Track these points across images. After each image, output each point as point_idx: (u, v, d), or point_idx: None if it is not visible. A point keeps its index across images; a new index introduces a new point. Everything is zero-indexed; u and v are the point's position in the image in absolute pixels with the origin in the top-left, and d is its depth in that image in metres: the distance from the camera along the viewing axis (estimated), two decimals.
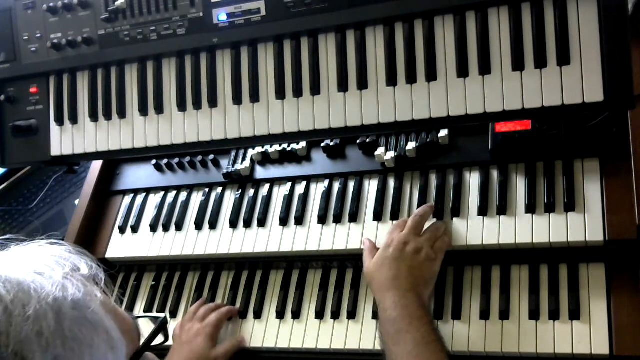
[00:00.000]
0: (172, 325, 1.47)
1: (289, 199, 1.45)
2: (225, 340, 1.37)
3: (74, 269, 0.74)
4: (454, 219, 1.29)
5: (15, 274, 0.65)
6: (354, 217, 1.37)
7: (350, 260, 1.37)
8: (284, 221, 1.43)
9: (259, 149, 1.53)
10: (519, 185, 1.28)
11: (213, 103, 1.32)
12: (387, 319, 1.12)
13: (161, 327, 0.87)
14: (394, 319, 1.11)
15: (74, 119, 1.44)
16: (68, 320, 0.63)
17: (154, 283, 1.55)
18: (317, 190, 1.45)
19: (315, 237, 1.38)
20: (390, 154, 1.39)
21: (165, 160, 1.62)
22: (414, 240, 1.21)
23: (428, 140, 1.38)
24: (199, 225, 1.50)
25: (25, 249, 0.75)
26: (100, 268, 0.79)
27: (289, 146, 1.50)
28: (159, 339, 0.86)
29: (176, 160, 1.61)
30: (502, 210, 1.26)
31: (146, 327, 0.85)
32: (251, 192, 1.51)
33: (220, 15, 1.27)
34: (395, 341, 1.09)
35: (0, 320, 0.60)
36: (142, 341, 0.82)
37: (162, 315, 0.91)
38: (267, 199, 1.48)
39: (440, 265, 1.22)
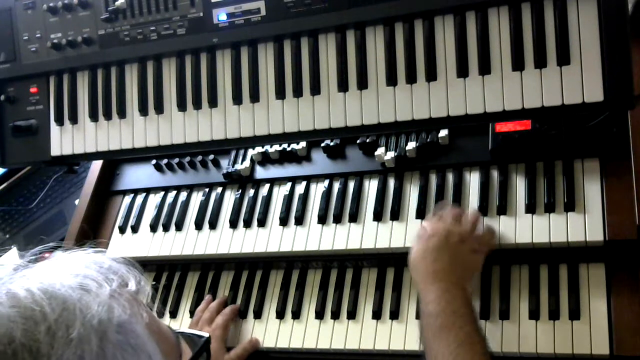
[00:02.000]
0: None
1: (289, 199, 1.45)
2: (232, 343, 1.37)
3: (122, 284, 0.71)
4: None
5: (61, 290, 0.63)
6: (354, 217, 1.37)
7: (350, 260, 1.37)
8: (284, 221, 1.43)
9: (259, 149, 1.53)
10: (519, 185, 1.28)
11: (213, 103, 1.32)
12: (430, 313, 1.08)
13: (204, 346, 0.85)
14: (437, 313, 1.06)
15: (74, 119, 1.44)
16: (111, 345, 0.61)
17: (154, 283, 1.55)
18: (317, 190, 1.45)
19: (315, 237, 1.38)
20: (390, 154, 1.39)
21: (165, 160, 1.62)
22: (458, 230, 1.18)
23: (428, 140, 1.38)
24: (199, 225, 1.50)
25: (71, 258, 0.72)
26: (147, 282, 0.77)
27: (289, 146, 1.50)
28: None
29: (176, 160, 1.61)
30: (502, 210, 1.26)
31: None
32: (251, 192, 1.51)
33: (220, 15, 1.27)
34: (437, 337, 1.04)
35: (42, 341, 0.58)
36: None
37: (205, 334, 0.88)
38: (267, 199, 1.48)
39: (484, 260, 1.18)
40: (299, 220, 1.41)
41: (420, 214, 1.32)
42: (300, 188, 1.46)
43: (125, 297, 0.68)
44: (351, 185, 1.42)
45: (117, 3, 1.33)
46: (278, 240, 1.41)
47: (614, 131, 1.24)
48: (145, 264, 1.57)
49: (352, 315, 1.32)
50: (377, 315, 1.30)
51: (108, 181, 1.69)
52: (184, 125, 1.35)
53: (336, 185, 1.43)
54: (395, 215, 1.33)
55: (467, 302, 1.08)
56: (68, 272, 0.68)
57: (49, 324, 0.59)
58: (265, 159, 1.53)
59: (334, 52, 1.23)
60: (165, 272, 1.56)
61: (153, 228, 1.55)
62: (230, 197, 1.53)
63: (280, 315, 1.38)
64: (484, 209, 1.27)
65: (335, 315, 1.33)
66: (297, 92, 1.25)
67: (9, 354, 0.57)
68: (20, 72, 1.46)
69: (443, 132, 1.37)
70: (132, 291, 0.72)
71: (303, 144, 1.49)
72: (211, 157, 1.58)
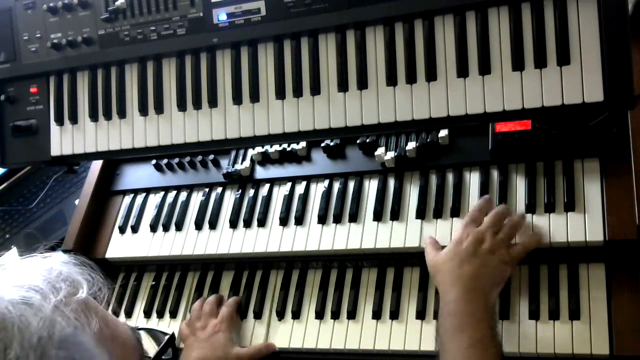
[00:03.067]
0: (174, 327, 1.47)
1: (289, 199, 1.45)
2: (238, 342, 1.37)
3: (71, 291, 0.69)
4: (454, 218, 1.29)
5: (1, 307, 0.61)
6: (354, 217, 1.37)
7: (350, 260, 1.37)
8: (284, 221, 1.43)
9: (259, 149, 1.53)
10: (519, 185, 1.28)
11: (213, 103, 1.32)
12: (448, 313, 1.07)
13: (168, 343, 0.84)
14: (455, 313, 1.06)
15: (74, 119, 1.44)
16: None
17: (154, 283, 1.55)
18: (317, 190, 1.45)
19: (315, 237, 1.38)
20: (390, 154, 1.39)
21: (165, 160, 1.62)
22: (490, 239, 1.15)
23: (428, 140, 1.38)
24: (199, 225, 1.50)
25: (21, 265, 0.71)
26: (104, 283, 0.76)
27: (289, 146, 1.50)
28: (167, 355, 0.84)
29: (176, 160, 1.61)
30: None
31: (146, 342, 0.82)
32: (251, 192, 1.51)
33: (220, 15, 1.27)
34: (452, 336, 1.04)
35: None
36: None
37: (169, 332, 0.87)
38: (267, 199, 1.48)
39: (512, 270, 1.16)
40: (299, 220, 1.41)
41: (420, 214, 1.32)
42: (300, 188, 1.46)
43: (72, 307, 0.66)
44: (351, 185, 1.42)
45: (117, 3, 1.33)
46: (278, 240, 1.41)
47: (614, 131, 1.24)
48: (145, 264, 1.58)
49: (352, 315, 1.32)
50: (377, 315, 1.30)
51: (108, 181, 1.69)
52: (184, 125, 1.35)
53: (336, 185, 1.43)
54: (395, 215, 1.33)
55: (487, 308, 1.07)
56: (12, 284, 0.66)
57: None
58: (265, 159, 1.53)
59: (334, 52, 1.23)
60: (165, 272, 1.56)
61: (153, 228, 1.55)
62: (230, 197, 1.53)
63: (280, 315, 1.38)
64: None
65: (335, 315, 1.33)
66: (297, 92, 1.25)
67: None
68: (20, 72, 1.46)
69: (443, 132, 1.37)
70: (81, 299, 0.70)
71: (303, 144, 1.49)
72: (211, 157, 1.58)
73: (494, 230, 1.17)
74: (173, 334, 0.85)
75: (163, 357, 0.84)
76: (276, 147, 1.51)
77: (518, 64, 1.12)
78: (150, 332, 0.88)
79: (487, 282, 1.11)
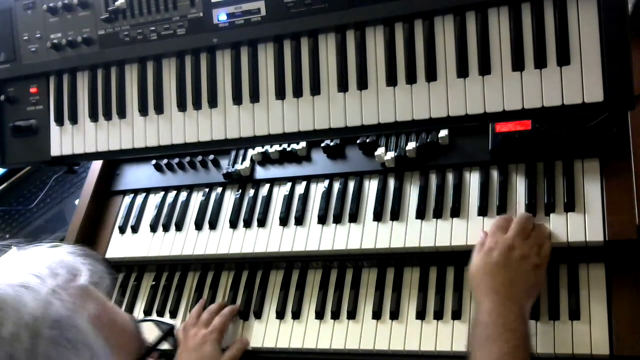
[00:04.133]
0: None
1: (289, 199, 1.45)
2: (230, 342, 1.37)
3: (70, 278, 0.71)
4: (454, 219, 1.29)
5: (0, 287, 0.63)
6: (353, 217, 1.37)
7: (350, 260, 1.37)
8: (284, 221, 1.43)
9: (259, 149, 1.53)
10: (519, 185, 1.28)
11: (213, 103, 1.32)
12: (480, 322, 1.07)
13: (167, 334, 0.85)
14: (487, 324, 1.05)
15: (73, 119, 1.44)
16: (44, 340, 0.62)
17: (154, 283, 1.55)
18: (317, 190, 1.45)
19: (315, 237, 1.38)
20: (390, 154, 1.39)
21: (165, 160, 1.62)
22: (521, 245, 1.13)
23: (428, 140, 1.38)
24: (199, 225, 1.50)
25: (24, 254, 0.73)
26: (105, 272, 0.77)
27: (289, 146, 1.50)
28: (167, 346, 0.84)
29: (176, 160, 1.61)
30: (502, 210, 1.26)
31: (150, 334, 0.84)
32: (251, 192, 1.51)
33: (220, 15, 1.27)
34: (481, 346, 1.03)
35: None
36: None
37: (170, 321, 0.89)
38: (267, 199, 1.48)
39: (545, 272, 1.15)
40: (299, 221, 1.41)
41: (420, 214, 1.32)
42: (300, 188, 1.46)
43: (70, 292, 0.68)
44: (351, 185, 1.42)
45: (117, 3, 1.33)
46: (278, 241, 1.41)
47: (614, 131, 1.24)
48: (145, 264, 1.58)
49: (352, 315, 1.32)
50: (377, 315, 1.30)
51: (108, 181, 1.69)
52: (184, 126, 1.35)
53: (336, 185, 1.43)
54: (395, 216, 1.33)
55: (520, 319, 1.06)
56: (13, 270, 0.68)
57: None
58: (265, 159, 1.53)
59: (334, 52, 1.23)
60: (165, 272, 1.56)
61: (153, 228, 1.55)
62: (230, 197, 1.53)
63: (280, 315, 1.38)
64: (484, 209, 1.27)
65: (335, 315, 1.33)
66: (297, 92, 1.25)
67: None
68: (20, 72, 1.46)
69: (443, 132, 1.37)
70: (80, 285, 0.72)
71: (303, 144, 1.49)
72: (211, 157, 1.58)
73: (523, 236, 1.15)
74: (173, 326, 0.86)
75: (164, 347, 0.85)
76: (276, 147, 1.51)
77: (518, 64, 1.12)
78: (156, 323, 0.89)
79: (521, 290, 1.10)
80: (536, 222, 1.20)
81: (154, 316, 1.50)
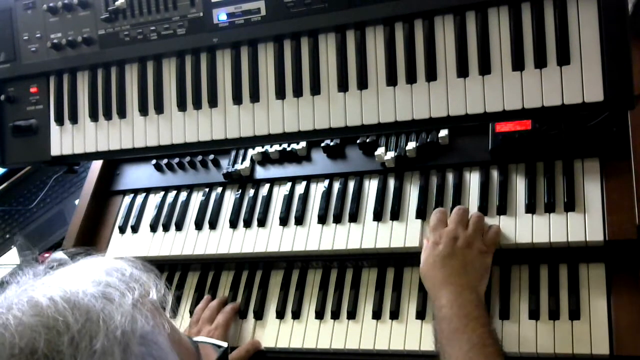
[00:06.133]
0: None
1: (289, 199, 1.45)
2: (238, 342, 1.37)
3: (143, 293, 0.70)
4: None
5: (84, 299, 0.62)
6: (354, 217, 1.37)
7: (350, 260, 1.37)
8: (284, 221, 1.43)
9: (259, 149, 1.53)
10: (519, 185, 1.28)
11: (213, 103, 1.32)
12: (443, 317, 1.08)
13: (223, 356, 0.85)
14: (450, 318, 1.07)
15: (74, 119, 1.44)
16: (134, 356, 0.61)
17: None
18: (317, 190, 1.45)
19: (315, 237, 1.38)
20: (390, 154, 1.39)
21: (165, 160, 1.62)
22: (463, 233, 1.18)
23: (428, 140, 1.38)
24: (199, 225, 1.50)
25: (92, 264, 0.71)
26: (167, 290, 0.77)
27: (289, 146, 1.50)
28: None
29: (176, 160, 1.61)
30: (502, 210, 1.26)
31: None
32: (251, 192, 1.51)
33: (220, 15, 1.27)
34: (450, 341, 1.05)
35: (65, 352, 0.57)
36: None
37: (224, 344, 0.88)
38: (267, 199, 1.48)
39: (492, 258, 1.19)
40: (299, 220, 1.41)
41: (420, 214, 1.32)
42: (300, 188, 1.46)
43: (148, 307, 0.68)
44: (351, 185, 1.42)
45: (117, 3, 1.33)
46: (278, 240, 1.41)
47: (614, 131, 1.24)
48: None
49: (352, 315, 1.32)
50: (377, 315, 1.30)
51: (108, 181, 1.69)
52: (184, 125, 1.35)
53: (336, 185, 1.43)
54: (395, 215, 1.33)
55: (479, 305, 1.08)
56: (90, 280, 0.67)
57: (72, 334, 0.58)
58: (265, 159, 1.53)
59: (334, 52, 1.23)
60: (165, 272, 1.56)
61: (153, 228, 1.55)
62: (230, 197, 1.53)
63: (280, 315, 1.38)
64: (484, 209, 1.27)
65: (335, 315, 1.33)
66: (297, 92, 1.25)
67: None
68: (20, 72, 1.46)
69: (443, 132, 1.37)
70: (154, 300, 0.72)
71: (303, 144, 1.49)
72: (211, 157, 1.58)
73: (463, 225, 1.19)
74: (227, 347, 0.85)
75: None
76: (276, 147, 1.51)
77: (518, 64, 1.12)
78: (204, 344, 0.88)
79: (473, 276, 1.13)
80: (475, 213, 1.24)
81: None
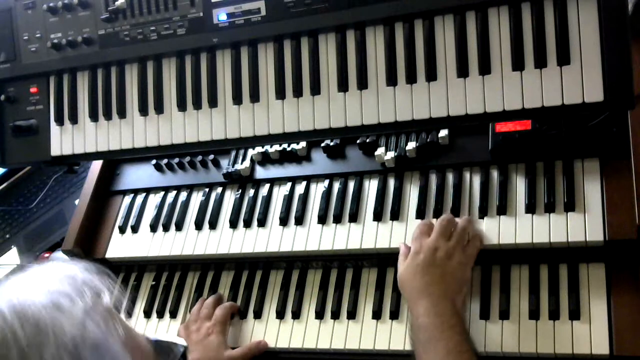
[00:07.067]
0: (173, 327, 1.47)
1: (289, 199, 1.45)
2: (238, 342, 1.37)
3: (95, 297, 0.70)
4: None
5: (33, 310, 0.61)
6: (354, 217, 1.37)
7: (350, 260, 1.37)
8: (284, 221, 1.43)
9: (259, 149, 1.53)
10: (519, 185, 1.28)
11: (213, 103, 1.32)
12: (419, 326, 1.10)
13: (183, 357, 0.85)
14: (426, 326, 1.08)
15: (74, 119, 1.44)
16: None
17: (154, 283, 1.55)
18: (317, 190, 1.45)
19: (315, 237, 1.38)
20: (390, 154, 1.39)
21: (165, 160, 1.62)
22: (444, 245, 1.18)
23: (428, 140, 1.38)
24: (199, 225, 1.50)
25: (43, 271, 0.71)
26: (122, 291, 0.76)
27: (289, 146, 1.50)
28: None
29: (176, 160, 1.61)
30: (502, 210, 1.26)
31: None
32: (251, 192, 1.51)
33: (220, 15, 1.27)
34: (426, 348, 1.06)
35: None
36: None
37: (183, 342, 0.88)
38: (267, 199, 1.48)
39: (471, 270, 1.19)
40: (299, 220, 1.41)
41: (420, 214, 1.32)
42: (300, 188, 1.46)
43: (100, 313, 0.67)
44: (351, 185, 1.42)
45: (117, 3, 1.33)
46: (278, 240, 1.41)
47: (614, 131, 1.24)
48: (145, 264, 1.58)
49: (352, 315, 1.32)
50: (377, 315, 1.30)
51: (108, 181, 1.69)
52: (184, 125, 1.35)
53: (336, 185, 1.43)
54: (395, 215, 1.33)
55: (455, 314, 1.10)
56: (40, 289, 0.66)
57: (20, 347, 0.58)
58: (265, 159, 1.53)
59: (334, 52, 1.23)
60: (165, 272, 1.56)
61: (153, 228, 1.55)
62: (230, 197, 1.53)
63: (280, 315, 1.38)
64: (484, 209, 1.27)
65: (335, 315, 1.33)
66: (297, 92, 1.25)
67: None
68: (20, 72, 1.46)
69: (443, 132, 1.37)
70: (106, 305, 0.71)
71: (303, 144, 1.49)
72: (211, 157, 1.58)
73: (445, 237, 1.20)
74: (186, 347, 0.85)
75: None
76: (276, 147, 1.51)
77: (518, 64, 1.12)
78: (163, 343, 0.88)
79: (450, 288, 1.14)
80: (459, 224, 1.24)
81: (154, 316, 1.50)
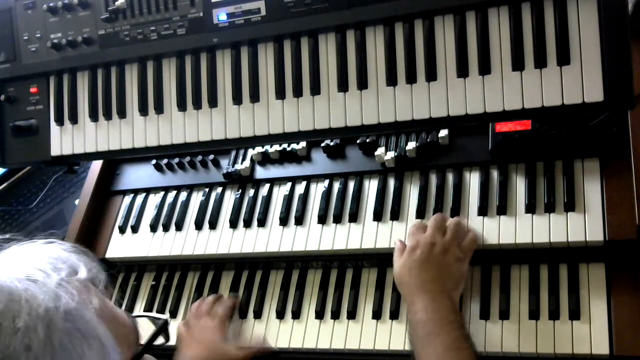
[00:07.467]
0: (174, 325, 1.47)
1: (289, 199, 1.45)
2: (238, 342, 1.37)
3: (71, 272, 0.72)
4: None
5: (6, 282, 0.64)
6: (354, 217, 1.37)
7: (350, 260, 1.37)
8: (284, 221, 1.43)
9: (259, 149, 1.53)
10: (519, 185, 1.28)
11: (213, 103, 1.32)
12: (417, 322, 1.10)
13: (161, 329, 0.86)
14: (425, 322, 1.08)
15: (74, 119, 1.44)
16: (58, 332, 0.62)
17: (154, 283, 1.55)
18: (317, 190, 1.45)
19: (315, 237, 1.38)
20: (390, 154, 1.39)
21: (165, 160, 1.62)
22: (441, 240, 1.19)
23: (428, 140, 1.38)
24: (199, 225, 1.50)
25: (22, 250, 0.74)
26: (100, 269, 0.79)
27: (289, 146, 1.50)
28: (160, 340, 0.86)
29: (176, 160, 1.61)
30: (502, 210, 1.26)
31: (147, 328, 0.85)
32: (251, 192, 1.51)
33: (220, 15, 1.27)
34: (425, 344, 1.06)
35: None
36: (142, 342, 0.82)
37: (163, 316, 0.90)
38: (267, 199, 1.48)
39: (468, 265, 1.20)
40: (299, 220, 1.41)
41: (420, 214, 1.32)
42: (300, 188, 1.46)
43: (74, 285, 0.69)
44: (351, 185, 1.42)
45: (117, 3, 1.33)
46: (278, 240, 1.41)
47: (614, 131, 1.24)
48: (145, 264, 1.58)
49: (352, 315, 1.32)
50: (377, 315, 1.30)
51: (108, 181, 1.69)
52: (184, 125, 1.35)
53: (336, 185, 1.43)
54: (395, 215, 1.33)
55: (454, 310, 1.10)
56: (16, 265, 0.69)
57: None
58: (265, 159, 1.53)
59: (334, 52, 1.23)
60: (165, 272, 1.56)
61: (153, 228, 1.55)
62: (230, 197, 1.53)
63: (280, 315, 1.38)
64: (484, 209, 1.27)
65: (335, 315, 1.33)
66: (297, 92, 1.25)
67: None
68: (20, 72, 1.46)
69: (443, 132, 1.37)
70: (82, 279, 0.73)
71: (303, 144, 1.49)
72: (211, 157, 1.58)
73: (441, 232, 1.21)
74: (167, 320, 0.87)
75: (157, 342, 0.86)
76: (276, 147, 1.51)
77: (518, 64, 1.12)
78: (151, 319, 0.90)
79: (448, 282, 1.15)
80: (453, 219, 1.25)
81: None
